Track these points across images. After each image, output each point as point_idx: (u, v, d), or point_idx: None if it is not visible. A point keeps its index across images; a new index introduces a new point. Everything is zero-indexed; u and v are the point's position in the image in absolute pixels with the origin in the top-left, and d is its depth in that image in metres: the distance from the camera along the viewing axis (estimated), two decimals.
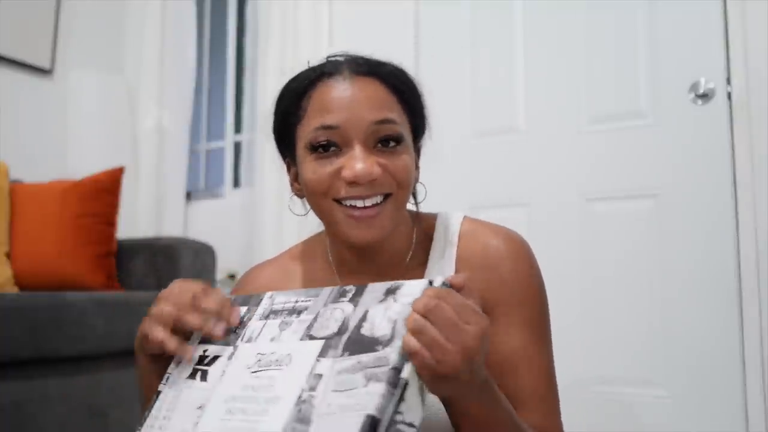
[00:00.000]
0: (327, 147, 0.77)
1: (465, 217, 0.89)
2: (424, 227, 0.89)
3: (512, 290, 0.81)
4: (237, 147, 2.89)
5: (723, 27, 1.80)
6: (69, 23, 2.70)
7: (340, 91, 0.77)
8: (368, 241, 0.79)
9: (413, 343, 0.58)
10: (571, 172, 1.99)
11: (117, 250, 2.08)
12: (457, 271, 0.84)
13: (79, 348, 1.65)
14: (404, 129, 0.80)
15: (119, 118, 2.74)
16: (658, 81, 1.89)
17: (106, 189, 2.04)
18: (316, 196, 0.79)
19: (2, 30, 2.45)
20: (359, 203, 0.77)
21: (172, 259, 2.00)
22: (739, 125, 1.77)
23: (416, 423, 0.57)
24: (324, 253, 0.92)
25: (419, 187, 0.90)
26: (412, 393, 0.57)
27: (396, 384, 0.56)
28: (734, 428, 1.69)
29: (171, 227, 2.74)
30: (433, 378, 0.58)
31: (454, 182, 2.12)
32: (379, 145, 0.77)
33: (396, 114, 0.79)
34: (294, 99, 0.81)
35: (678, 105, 1.85)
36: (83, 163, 2.50)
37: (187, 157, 2.83)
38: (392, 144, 0.78)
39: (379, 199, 0.77)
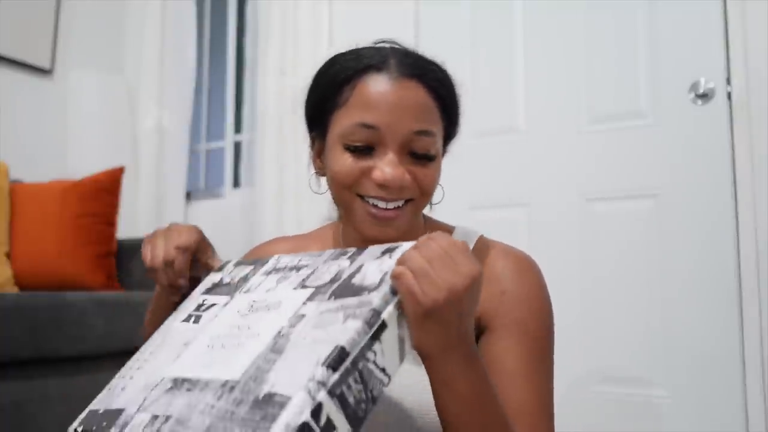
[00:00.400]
0: (365, 148, 0.77)
1: (481, 235, 0.88)
2: None
3: (512, 304, 0.80)
4: (237, 147, 2.89)
5: (723, 27, 1.81)
6: (69, 23, 2.70)
7: (387, 91, 0.76)
8: (381, 239, 0.79)
9: (400, 268, 0.59)
10: (571, 172, 1.99)
11: (117, 250, 2.08)
12: None
13: (79, 348, 1.65)
14: (439, 139, 0.80)
15: (119, 118, 2.74)
16: (658, 81, 1.89)
17: (106, 189, 2.04)
18: (340, 187, 0.80)
19: (2, 30, 2.45)
20: (382, 204, 0.78)
21: None
22: (739, 125, 1.77)
23: (389, 370, 0.57)
24: (337, 240, 0.93)
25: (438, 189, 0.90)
26: (390, 337, 0.57)
27: (373, 324, 0.56)
28: (734, 428, 1.69)
29: None
30: (416, 311, 0.58)
31: (454, 182, 2.12)
32: (413, 154, 0.78)
33: (435, 125, 0.79)
34: (336, 84, 0.80)
35: (678, 105, 1.85)
36: (83, 163, 2.50)
37: (187, 157, 2.83)
38: (425, 158, 0.78)
39: (400, 203, 0.78)
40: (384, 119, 0.75)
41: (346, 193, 0.79)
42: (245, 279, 0.74)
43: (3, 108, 2.45)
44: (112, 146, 2.67)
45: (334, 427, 0.51)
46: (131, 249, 2.09)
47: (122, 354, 1.75)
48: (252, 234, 2.48)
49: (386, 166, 0.76)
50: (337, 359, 0.53)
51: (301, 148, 2.42)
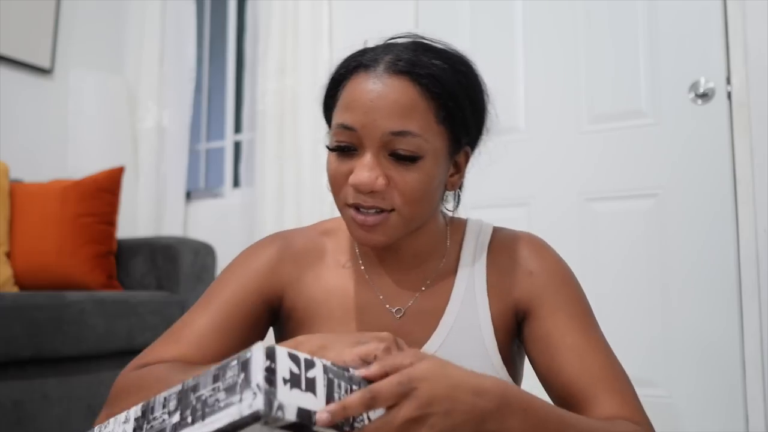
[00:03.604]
0: (346, 147, 0.76)
1: (494, 227, 0.89)
2: (453, 233, 0.89)
3: (544, 283, 0.82)
4: (237, 147, 2.89)
5: (723, 27, 1.80)
6: (69, 23, 2.70)
7: (366, 91, 0.74)
8: (370, 245, 0.79)
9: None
10: (571, 171, 1.99)
11: (117, 249, 2.08)
12: (488, 280, 0.84)
13: (79, 348, 1.65)
14: (429, 140, 0.74)
15: (119, 118, 2.74)
16: (658, 81, 1.89)
17: (106, 189, 2.04)
18: (332, 190, 0.79)
19: (2, 30, 2.45)
20: (362, 210, 0.76)
21: (172, 258, 2.00)
22: (739, 125, 1.77)
23: None
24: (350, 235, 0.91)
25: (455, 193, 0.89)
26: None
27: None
28: (734, 428, 1.69)
29: (171, 227, 2.74)
30: None
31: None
32: (396, 156, 0.74)
33: (420, 125, 0.73)
34: (333, 83, 0.80)
35: (678, 104, 1.85)
36: (83, 163, 2.51)
37: (187, 157, 2.83)
38: (405, 159, 0.74)
39: (379, 210, 0.76)
40: (360, 119, 0.73)
41: (337, 199, 0.79)
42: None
43: (3, 108, 2.45)
44: (112, 146, 2.68)
45: None
46: (131, 249, 2.09)
47: (122, 354, 1.76)
48: (252, 234, 2.48)
49: (360, 170, 0.73)
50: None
51: (301, 148, 2.43)
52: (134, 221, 2.68)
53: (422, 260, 0.85)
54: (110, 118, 2.70)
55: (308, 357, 0.55)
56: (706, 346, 1.75)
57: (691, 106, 1.83)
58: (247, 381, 0.51)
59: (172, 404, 0.57)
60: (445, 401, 0.55)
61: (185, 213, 2.81)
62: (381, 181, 0.74)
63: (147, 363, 0.77)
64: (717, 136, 1.79)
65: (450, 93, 0.75)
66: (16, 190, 2.03)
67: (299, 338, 0.66)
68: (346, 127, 0.74)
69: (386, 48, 0.78)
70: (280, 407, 0.50)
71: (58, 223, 1.96)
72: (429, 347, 0.81)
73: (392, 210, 0.76)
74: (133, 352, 1.90)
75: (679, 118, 1.84)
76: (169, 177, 2.77)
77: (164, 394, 0.59)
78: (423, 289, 0.85)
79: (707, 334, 1.75)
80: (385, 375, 0.55)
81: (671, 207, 1.84)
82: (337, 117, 0.76)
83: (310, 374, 0.54)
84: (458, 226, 0.89)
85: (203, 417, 0.53)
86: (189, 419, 0.54)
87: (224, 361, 0.55)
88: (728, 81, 1.79)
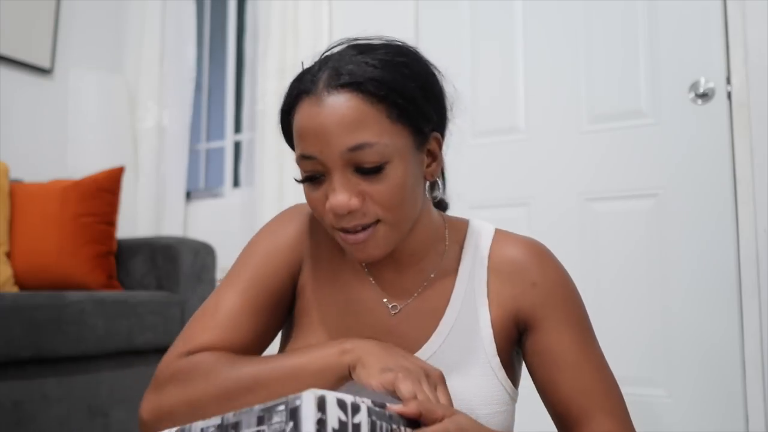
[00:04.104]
0: (313, 176, 0.75)
1: (496, 229, 0.89)
2: (453, 233, 0.88)
3: (546, 295, 0.82)
4: (237, 147, 2.89)
5: (723, 27, 1.80)
6: (69, 23, 2.70)
7: (312, 116, 0.72)
8: (367, 260, 0.79)
9: None
10: (571, 172, 1.99)
11: (117, 249, 2.08)
12: (489, 284, 0.84)
13: (79, 348, 1.65)
14: (389, 143, 0.72)
15: (119, 118, 2.74)
16: (658, 80, 1.89)
17: (105, 189, 2.04)
18: (318, 218, 0.79)
19: (2, 30, 2.45)
20: (349, 231, 0.75)
21: (172, 258, 2.00)
22: (739, 125, 1.77)
23: None
24: None
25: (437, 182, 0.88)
26: None
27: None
28: (734, 428, 1.69)
29: (171, 227, 2.74)
30: None
31: (454, 182, 2.12)
32: (360, 170, 0.72)
33: (374, 132, 0.71)
34: (284, 114, 0.79)
35: (678, 104, 1.85)
36: (83, 163, 2.51)
37: (187, 157, 2.83)
38: (372, 171, 0.72)
39: (364, 225, 0.75)
40: (315, 147, 0.72)
41: (325, 225, 0.78)
42: None
43: (3, 108, 2.45)
44: (112, 146, 2.67)
45: None
46: (131, 249, 2.09)
47: (122, 354, 1.76)
48: (252, 233, 2.47)
49: (333, 195, 0.73)
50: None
51: None
52: (134, 221, 2.68)
53: (419, 258, 0.85)
54: (110, 118, 2.70)
55: (354, 401, 0.56)
56: (706, 346, 1.75)
57: (691, 106, 1.83)
58: (296, 430, 0.51)
59: None
60: None
61: (185, 213, 2.81)
62: (354, 201, 0.73)
63: (191, 350, 0.79)
64: (717, 136, 1.79)
65: (395, 89, 0.73)
66: (16, 190, 2.03)
67: (346, 346, 0.71)
68: (305, 157, 0.74)
69: (322, 64, 0.76)
70: None
71: (58, 223, 1.96)
72: (429, 347, 0.81)
73: (377, 221, 0.75)
74: (133, 352, 1.89)
75: (679, 118, 1.84)
76: (169, 177, 2.77)
77: (201, 425, 0.58)
78: (421, 289, 0.84)
79: (707, 334, 1.75)
80: (419, 414, 0.61)
81: (671, 207, 1.84)
82: (297, 149, 0.76)
83: (356, 419, 0.55)
84: (459, 227, 0.89)
85: None
86: None
87: (271, 403, 0.54)
88: (728, 81, 1.79)
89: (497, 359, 0.81)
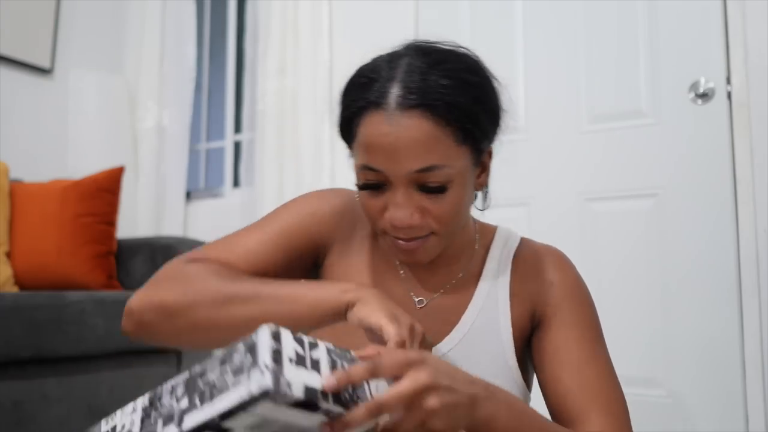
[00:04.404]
0: (375, 185, 0.76)
1: (522, 237, 0.92)
2: (482, 237, 0.91)
3: (562, 294, 0.84)
4: (237, 147, 2.89)
5: (723, 27, 1.81)
6: (69, 23, 2.70)
7: (384, 134, 0.72)
8: (414, 264, 0.82)
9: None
10: (571, 171, 1.99)
11: (117, 249, 2.08)
12: (511, 287, 0.86)
13: (79, 348, 1.65)
14: (455, 165, 0.74)
15: (119, 118, 2.74)
16: (658, 80, 1.89)
17: (105, 189, 2.04)
18: (368, 220, 0.81)
19: (2, 30, 2.45)
20: (402, 239, 0.78)
21: (172, 258, 1.99)
22: (739, 125, 1.77)
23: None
24: None
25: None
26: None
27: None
28: (734, 428, 1.69)
29: (171, 227, 2.74)
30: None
31: None
32: (424, 188, 0.75)
33: (442, 155, 0.73)
34: (346, 119, 0.78)
35: (678, 104, 1.85)
36: (83, 163, 2.51)
37: (187, 157, 2.83)
38: (436, 191, 0.74)
39: (420, 236, 0.78)
40: (384, 163, 0.74)
41: (374, 226, 0.80)
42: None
43: (3, 108, 2.45)
44: (112, 146, 2.67)
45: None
46: (131, 249, 2.09)
47: (122, 353, 1.76)
48: None
49: (395, 209, 0.75)
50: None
51: (301, 147, 2.43)
52: (134, 221, 2.68)
53: (454, 259, 0.87)
54: (110, 118, 2.70)
55: (312, 339, 0.58)
56: (706, 346, 1.75)
57: (691, 106, 1.83)
58: (254, 361, 0.53)
59: (180, 391, 0.58)
60: (447, 377, 0.59)
61: (185, 213, 2.81)
62: (416, 217, 0.75)
63: (197, 260, 0.81)
64: (717, 136, 1.79)
65: (466, 114, 0.74)
66: (16, 190, 2.03)
67: (349, 286, 0.72)
68: (371, 169, 0.75)
69: (390, 72, 0.74)
70: (288, 384, 0.52)
71: (58, 223, 1.96)
72: (448, 342, 0.83)
73: (431, 233, 0.77)
74: (133, 352, 1.88)
75: (679, 118, 1.84)
76: (169, 177, 2.77)
77: (171, 382, 0.60)
78: (448, 286, 0.87)
79: (707, 334, 1.75)
80: (377, 356, 0.59)
81: (671, 207, 1.84)
82: (359, 157, 0.76)
83: (314, 355, 0.57)
84: (488, 232, 0.92)
85: (212, 398, 0.54)
86: (197, 402, 0.55)
87: (230, 346, 0.56)
88: (728, 81, 1.79)
89: (515, 359, 0.84)
